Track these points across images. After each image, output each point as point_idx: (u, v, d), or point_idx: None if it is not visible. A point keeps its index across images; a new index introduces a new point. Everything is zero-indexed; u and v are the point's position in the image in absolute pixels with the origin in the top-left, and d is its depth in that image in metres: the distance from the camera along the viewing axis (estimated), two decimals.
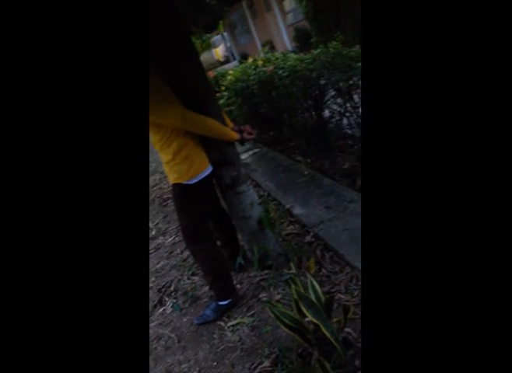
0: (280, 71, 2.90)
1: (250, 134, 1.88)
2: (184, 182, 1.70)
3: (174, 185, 1.75)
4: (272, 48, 10.02)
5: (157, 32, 1.63)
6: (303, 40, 8.63)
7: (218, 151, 1.84)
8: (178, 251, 2.81)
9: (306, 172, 3.06)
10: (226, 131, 1.74)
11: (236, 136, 1.78)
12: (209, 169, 1.77)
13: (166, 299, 2.25)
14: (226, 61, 18.27)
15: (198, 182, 1.72)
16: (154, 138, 1.69)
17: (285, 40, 10.47)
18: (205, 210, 1.86)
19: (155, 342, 1.92)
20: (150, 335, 1.99)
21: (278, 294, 1.84)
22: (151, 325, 2.07)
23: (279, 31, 10.73)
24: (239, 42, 15.20)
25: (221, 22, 3.22)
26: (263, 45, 11.71)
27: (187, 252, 2.75)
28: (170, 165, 1.70)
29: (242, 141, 1.87)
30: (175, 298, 2.23)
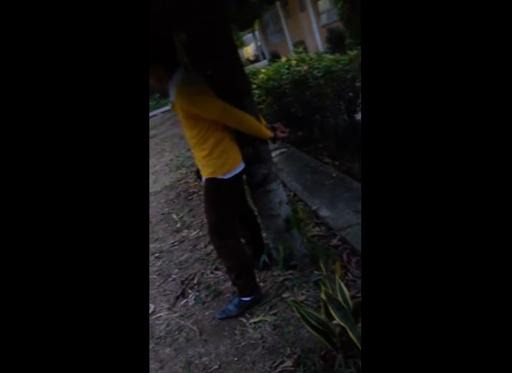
0: (315, 71, 2.88)
1: (282, 132, 1.88)
2: (219, 176, 1.71)
3: (208, 180, 1.75)
4: (304, 49, 9.95)
5: (200, 28, 1.65)
6: (335, 41, 8.53)
7: (251, 147, 1.85)
8: (202, 245, 2.83)
9: (334, 175, 3.03)
10: (261, 128, 1.74)
11: (269, 133, 1.78)
12: (242, 166, 1.77)
13: (189, 291, 2.27)
14: (256, 59, 18.29)
15: (231, 177, 1.72)
16: (190, 133, 1.70)
17: (317, 41, 10.37)
18: (233, 207, 1.87)
19: (176, 333, 1.94)
20: (172, 326, 2.02)
21: (303, 295, 1.82)
22: (173, 316, 2.10)
23: (312, 32, 10.64)
24: (270, 41, 15.18)
25: (257, 20, 3.22)
26: (294, 45, 11.64)
27: (210, 247, 2.77)
28: (206, 159, 1.71)
29: (274, 139, 1.87)
30: (198, 291, 2.25)
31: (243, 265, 1.88)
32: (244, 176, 1.91)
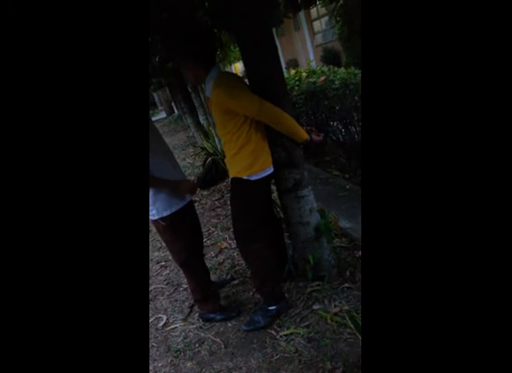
0: (336, 83, 2.87)
1: (317, 135, 1.81)
2: (245, 177, 1.64)
3: (234, 179, 1.69)
4: (296, 66, 10.10)
5: (244, 28, 1.61)
6: (331, 60, 8.70)
7: (284, 151, 1.78)
8: (212, 254, 2.72)
9: (348, 187, 2.99)
10: (299, 129, 1.66)
11: (306, 136, 1.71)
12: (271, 170, 1.70)
13: None
14: (244, 76, 18.46)
15: (258, 179, 1.65)
16: (222, 130, 1.63)
17: (310, 60, 10.60)
18: (259, 210, 1.78)
19: (197, 345, 1.81)
20: (191, 338, 1.89)
21: (336, 306, 1.74)
22: (190, 327, 1.97)
23: (306, 50, 10.85)
24: None
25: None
26: (287, 63, 11.82)
27: (222, 256, 2.66)
28: (235, 158, 1.65)
29: (308, 144, 1.80)
30: None
31: (269, 270, 1.79)
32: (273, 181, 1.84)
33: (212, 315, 1.95)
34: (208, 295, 1.93)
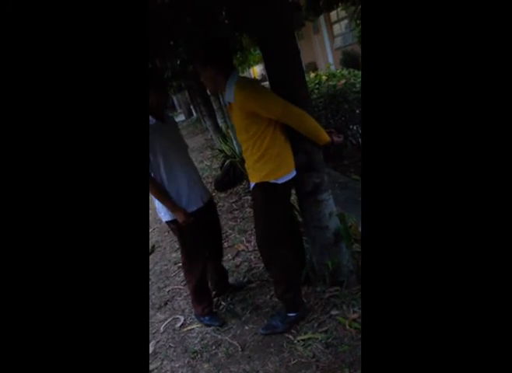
0: (357, 86, 2.85)
1: (338, 136, 1.80)
2: (272, 180, 1.62)
3: (259, 184, 1.66)
4: (315, 70, 10.06)
5: (267, 31, 1.62)
6: (350, 63, 8.64)
7: (305, 155, 1.77)
8: (229, 256, 2.73)
9: None
10: (321, 131, 1.65)
11: (328, 138, 1.69)
12: (294, 172, 1.69)
13: (222, 303, 2.16)
14: (263, 79, 18.50)
15: (284, 183, 1.65)
16: (244, 136, 1.62)
17: (330, 63, 10.54)
18: (284, 215, 1.78)
19: (214, 347, 1.82)
20: (208, 339, 1.89)
21: (354, 312, 1.71)
22: (207, 329, 1.98)
23: (325, 54, 10.81)
24: None
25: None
26: (306, 66, 11.79)
27: (239, 259, 2.67)
28: (260, 162, 1.62)
29: (329, 146, 1.78)
30: (231, 303, 2.13)
31: (293, 277, 1.77)
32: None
33: (200, 318, 2.05)
34: (200, 299, 2.02)
